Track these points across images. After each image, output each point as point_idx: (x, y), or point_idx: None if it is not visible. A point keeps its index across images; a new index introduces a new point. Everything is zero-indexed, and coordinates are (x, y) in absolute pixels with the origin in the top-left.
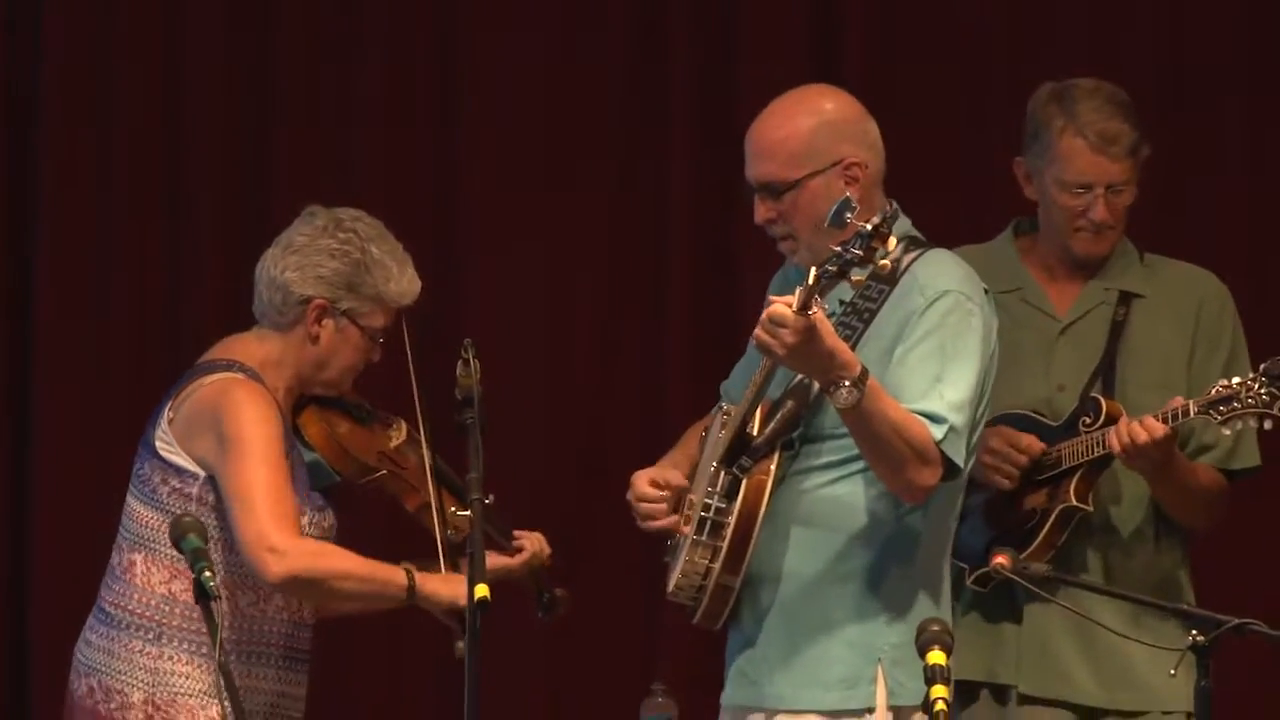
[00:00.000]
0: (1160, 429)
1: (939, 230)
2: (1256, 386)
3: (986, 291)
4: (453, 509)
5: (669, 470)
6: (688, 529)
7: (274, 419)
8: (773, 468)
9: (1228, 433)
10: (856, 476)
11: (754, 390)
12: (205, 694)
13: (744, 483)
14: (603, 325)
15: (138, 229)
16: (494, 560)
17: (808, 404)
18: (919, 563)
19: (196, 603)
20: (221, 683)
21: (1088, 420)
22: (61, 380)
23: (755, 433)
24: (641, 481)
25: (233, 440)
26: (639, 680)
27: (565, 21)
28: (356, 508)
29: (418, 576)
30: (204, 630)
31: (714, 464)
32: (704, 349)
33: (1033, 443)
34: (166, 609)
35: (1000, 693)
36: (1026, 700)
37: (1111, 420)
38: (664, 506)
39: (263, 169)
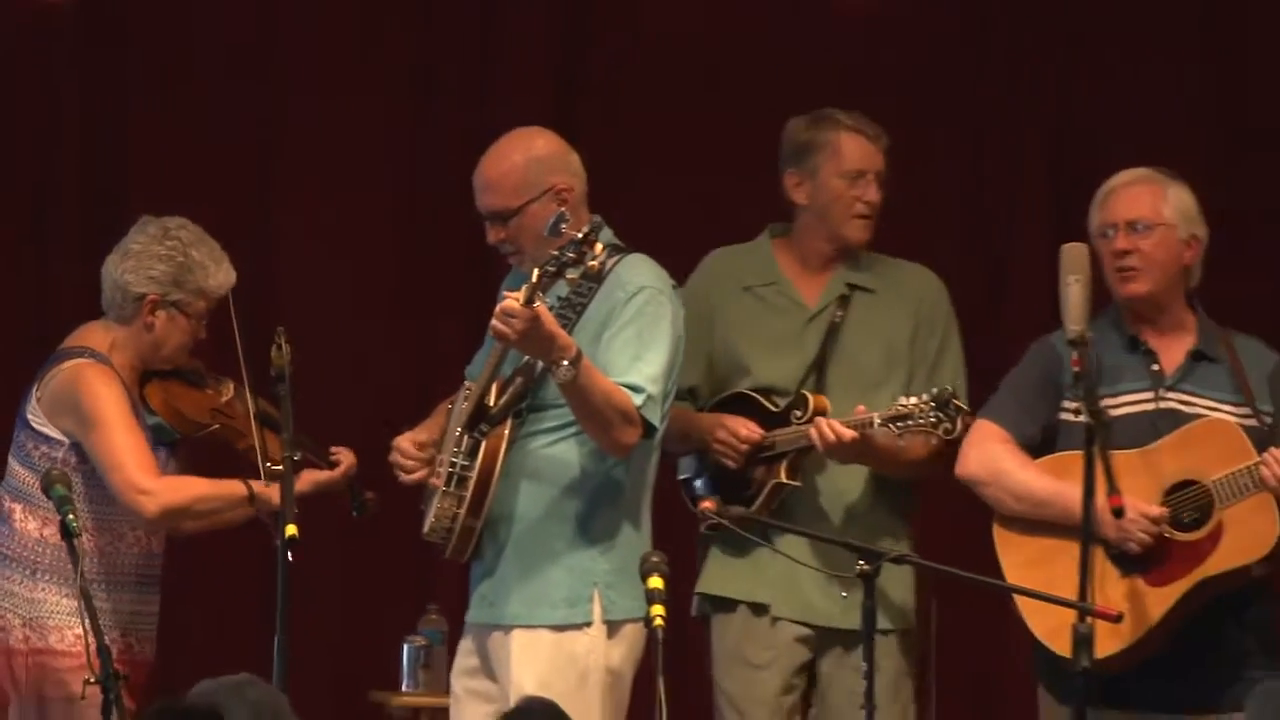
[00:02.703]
0: (848, 434)
1: (671, 229)
2: (926, 409)
3: (675, 286)
4: (274, 453)
5: (424, 433)
6: (438, 482)
7: (120, 391)
8: (506, 432)
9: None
10: (572, 439)
11: (490, 369)
12: (71, 615)
13: (483, 444)
14: (393, 314)
15: (14, 238)
16: (317, 475)
17: (534, 380)
18: (623, 505)
19: (63, 540)
20: (82, 605)
21: (798, 414)
22: None
23: (492, 404)
24: (403, 443)
25: (91, 414)
26: (419, 603)
27: (359, 66)
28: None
29: (254, 485)
30: (69, 565)
31: (459, 429)
32: (471, 340)
33: (751, 433)
34: (39, 549)
35: (756, 609)
36: (778, 619)
37: (819, 413)
38: (421, 463)
39: (119, 188)
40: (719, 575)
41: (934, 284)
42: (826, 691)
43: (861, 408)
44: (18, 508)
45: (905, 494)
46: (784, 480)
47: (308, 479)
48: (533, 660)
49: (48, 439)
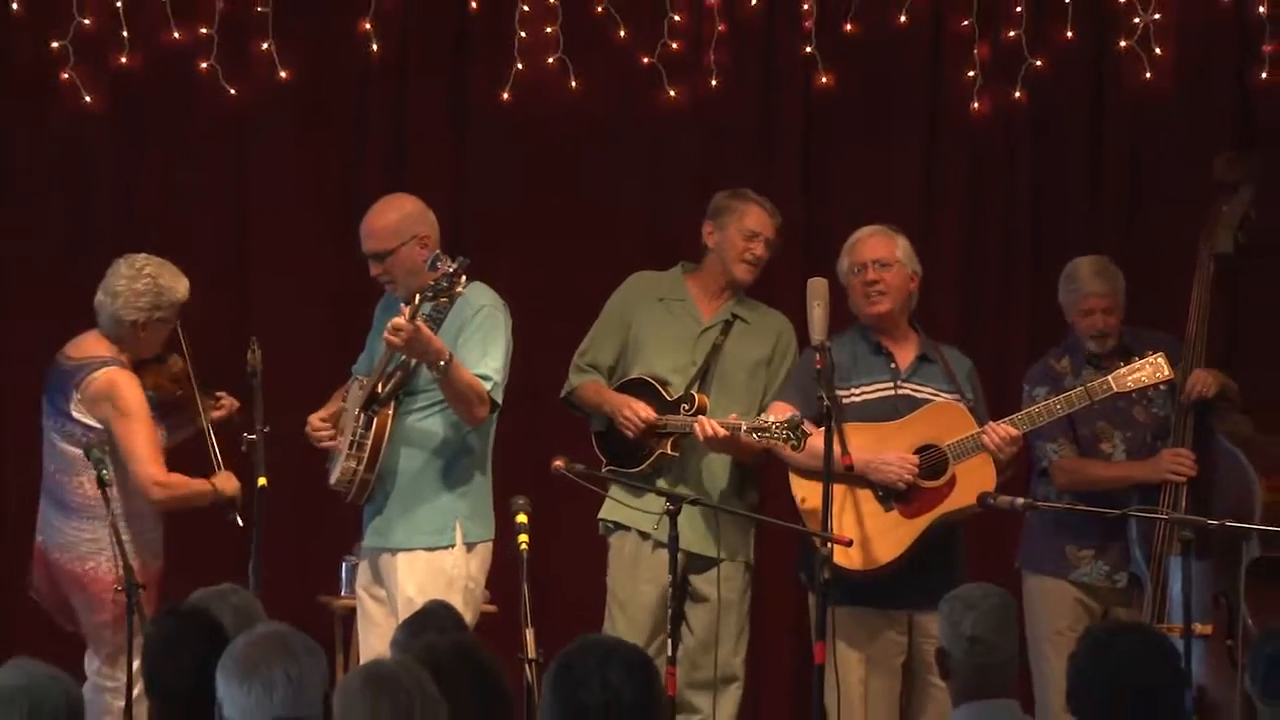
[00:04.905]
0: (722, 432)
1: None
2: (778, 428)
3: (505, 305)
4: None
5: (326, 411)
6: (342, 447)
7: (139, 392)
8: (391, 410)
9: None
10: (438, 414)
11: (381, 367)
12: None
13: (375, 419)
14: (331, 324)
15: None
16: (216, 415)
17: (409, 373)
18: (475, 460)
19: (99, 488)
20: (112, 536)
21: (686, 407)
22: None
23: (381, 391)
24: (314, 419)
25: (122, 409)
26: (353, 532)
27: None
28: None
29: (215, 482)
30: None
31: (357, 409)
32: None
33: (648, 415)
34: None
35: (643, 536)
36: (659, 545)
37: (701, 409)
38: (330, 433)
39: (140, 234)
40: (616, 507)
41: (788, 326)
42: (695, 599)
43: (734, 415)
44: (84, 479)
45: (748, 468)
46: (668, 452)
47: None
48: (413, 573)
49: (89, 427)
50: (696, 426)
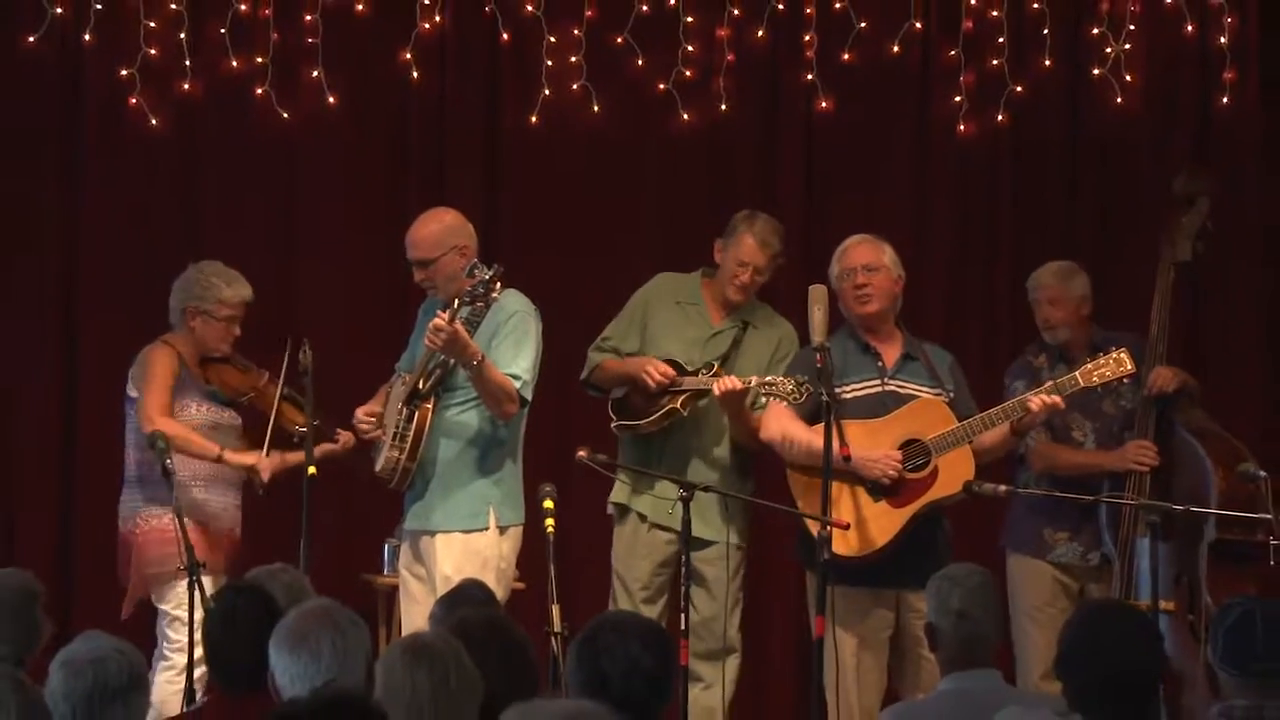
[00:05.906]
0: (739, 385)
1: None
2: (787, 385)
3: (536, 310)
4: (292, 418)
5: (372, 406)
6: (386, 438)
7: (166, 360)
8: (431, 405)
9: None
10: (473, 409)
11: (422, 365)
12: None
13: (416, 413)
14: (371, 329)
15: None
16: (326, 447)
17: (448, 371)
18: (506, 450)
19: (164, 476)
20: (174, 522)
21: (704, 370)
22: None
23: (422, 387)
24: (359, 412)
25: (145, 373)
26: (394, 516)
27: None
28: None
29: (225, 454)
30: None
31: (400, 404)
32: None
33: (666, 370)
34: (147, 470)
35: (641, 517)
36: (655, 527)
37: (716, 375)
38: (374, 426)
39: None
40: (622, 490)
41: (790, 334)
42: (695, 579)
43: (755, 378)
44: (131, 449)
45: (748, 453)
46: (678, 408)
47: (321, 450)
48: (450, 553)
49: (135, 400)
50: (716, 384)
